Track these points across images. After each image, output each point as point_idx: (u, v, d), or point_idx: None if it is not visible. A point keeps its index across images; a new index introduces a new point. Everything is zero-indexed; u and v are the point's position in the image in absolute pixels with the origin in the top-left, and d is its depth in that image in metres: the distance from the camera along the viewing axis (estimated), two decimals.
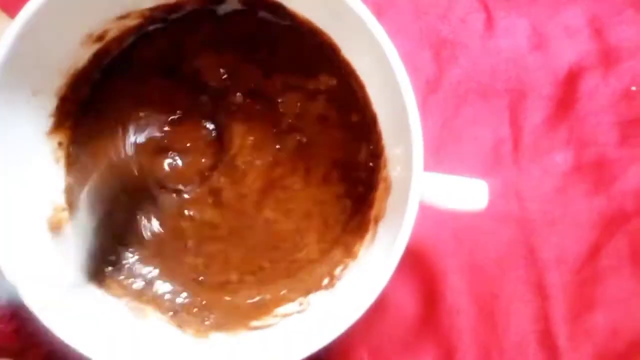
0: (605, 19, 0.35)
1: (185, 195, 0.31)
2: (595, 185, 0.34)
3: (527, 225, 0.33)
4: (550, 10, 0.36)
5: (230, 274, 0.31)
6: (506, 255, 0.33)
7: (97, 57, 0.28)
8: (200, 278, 0.31)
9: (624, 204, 0.33)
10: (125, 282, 0.30)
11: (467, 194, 0.26)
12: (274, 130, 0.31)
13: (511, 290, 0.32)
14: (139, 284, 0.30)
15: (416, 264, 0.32)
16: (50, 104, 0.27)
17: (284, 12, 0.28)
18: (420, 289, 0.33)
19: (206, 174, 0.31)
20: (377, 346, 0.32)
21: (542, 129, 0.34)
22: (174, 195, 0.31)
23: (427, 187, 0.25)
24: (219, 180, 0.31)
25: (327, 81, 0.30)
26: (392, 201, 0.27)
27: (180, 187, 0.31)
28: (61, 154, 0.29)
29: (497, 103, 0.34)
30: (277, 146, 0.31)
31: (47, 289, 0.25)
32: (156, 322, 0.29)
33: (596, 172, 0.34)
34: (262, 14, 0.29)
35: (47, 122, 0.28)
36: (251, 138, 0.31)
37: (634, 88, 0.35)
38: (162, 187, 0.31)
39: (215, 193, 0.31)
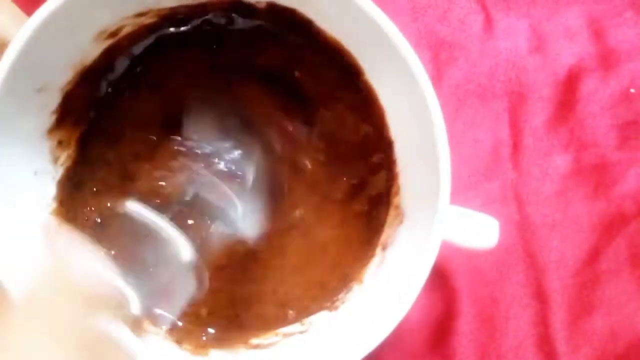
0: (604, 20, 0.35)
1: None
2: (595, 188, 0.33)
3: (527, 229, 0.33)
4: (550, 12, 0.35)
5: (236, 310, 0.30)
6: (505, 258, 0.33)
7: (106, 55, 0.27)
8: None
9: (623, 206, 0.33)
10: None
11: (478, 232, 0.26)
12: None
13: (510, 294, 0.32)
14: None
15: None
16: (54, 100, 0.27)
17: (310, 31, 0.27)
18: (419, 293, 0.32)
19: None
20: (374, 350, 0.32)
21: (542, 131, 0.34)
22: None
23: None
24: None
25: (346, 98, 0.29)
26: (405, 229, 0.27)
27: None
28: (60, 153, 0.28)
29: (496, 105, 0.34)
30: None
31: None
32: (153, 336, 0.28)
33: (596, 174, 0.34)
34: (287, 35, 0.28)
35: (49, 119, 0.27)
36: None
37: (633, 90, 0.35)
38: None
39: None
